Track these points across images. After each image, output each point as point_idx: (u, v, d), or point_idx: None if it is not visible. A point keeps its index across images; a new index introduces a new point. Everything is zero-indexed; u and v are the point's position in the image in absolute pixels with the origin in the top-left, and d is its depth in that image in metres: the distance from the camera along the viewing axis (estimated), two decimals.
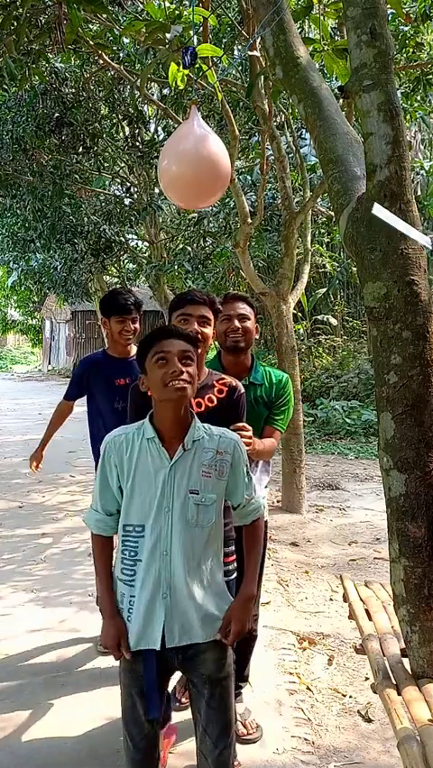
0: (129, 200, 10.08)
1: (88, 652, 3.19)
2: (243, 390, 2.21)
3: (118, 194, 10.20)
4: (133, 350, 3.08)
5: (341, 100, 3.71)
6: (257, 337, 2.62)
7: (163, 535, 1.68)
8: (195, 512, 1.68)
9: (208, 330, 2.16)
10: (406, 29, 5.40)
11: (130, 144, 8.33)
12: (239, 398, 2.17)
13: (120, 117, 7.97)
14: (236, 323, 2.50)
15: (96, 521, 1.80)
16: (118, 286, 16.78)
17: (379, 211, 1.70)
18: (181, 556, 1.67)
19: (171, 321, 2.20)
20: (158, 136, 9.81)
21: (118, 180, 10.26)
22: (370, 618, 2.22)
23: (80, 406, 3.26)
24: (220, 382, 2.17)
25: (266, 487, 2.64)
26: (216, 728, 1.72)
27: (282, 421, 2.59)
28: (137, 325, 3.17)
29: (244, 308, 2.54)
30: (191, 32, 3.12)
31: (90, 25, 5.38)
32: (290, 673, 3.04)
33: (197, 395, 1.96)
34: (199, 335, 2.06)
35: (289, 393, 2.62)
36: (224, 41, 6.20)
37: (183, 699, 2.66)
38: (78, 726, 2.62)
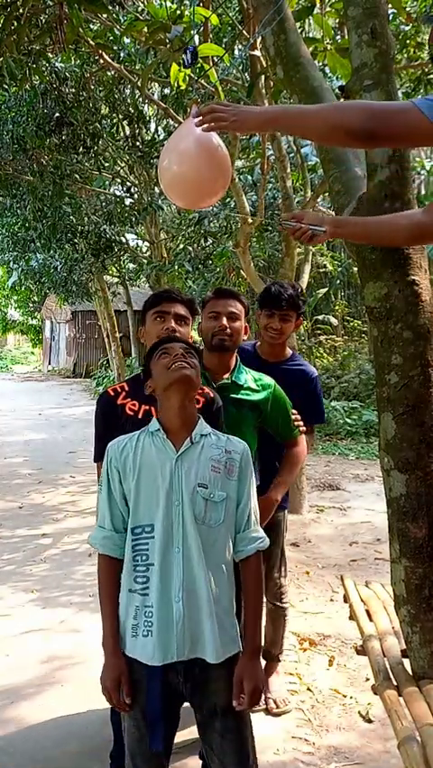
0: (129, 200, 10.08)
1: (88, 651, 3.19)
2: (220, 404, 2.05)
3: (118, 194, 10.20)
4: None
5: (342, 100, 3.70)
6: (245, 338, 2.43)
7: (175, 531, 1.56)
8: (203, 507, 1.57)
9: (185, 329, 2.05)
10: (407, 28, 5.40)
11: (130, 144, 8.32)
12: (218, 411, 2.01)
13: (120, 117, 7.97)
14: (224, 321, 2.31)
15: (104, 539, 1.65)
16: (119, 286, 16.83)
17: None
18: (195, 554, 1.56)
19: (146, 320, 2.08)
20: (158, 136, 9.81)
21: (118, 180, 10.26)
22: (370, 619, 2.21)
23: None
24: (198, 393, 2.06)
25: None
26: (232, 761, 1.57)
27: (291, 426, 2.44)
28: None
29: (234, 306, 2.35)
30: (192, 32, 3.12)
31: (91, 25, 5.38)
32: (291, 674, 3.04)
33: None
34: (176, 333, 1.96)
35: (283, 398, 2.41)
36: (224, 40, 6.20)
37: None
38: (79, 725, 2.62)
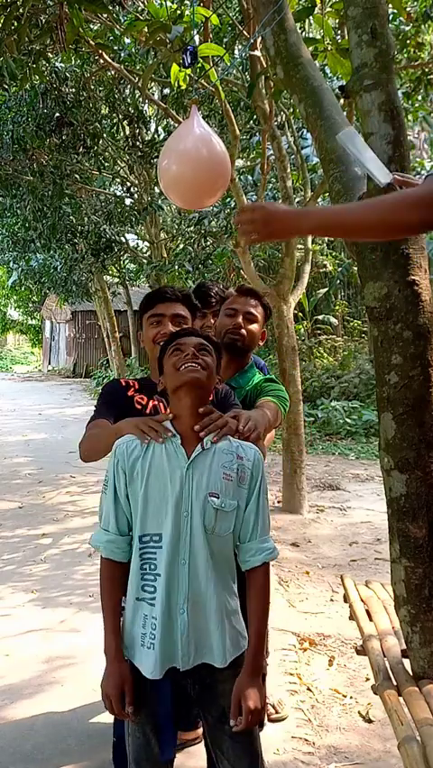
0: (129, 200, 10.08)
1: (88, 651, 3.19)
2: (227, 387, 1.97)
3: (118, 194, 10.21)
4: None
5: (342, 100, 3.70)
6: (261, 344, 2.27)
7: (182, 543, 1.50)
8: (213, 518, 1.51)
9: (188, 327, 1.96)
10: (407, 29, 5.40)
11: (130, 144, 8.33)
12: (227, 395, 1.92)
13: (120, 117, 7.98)
14: (240, 320, 2.19)
15: (107, 542, 1.58)
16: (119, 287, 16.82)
17: (348, 138, 1.63)
18: (202, 566, 1.51)
19: (143, 322, 1.98)
20: (158, 136, 9.83)
21: (118, 180, 10.27)
22: (370, 619, 2.21)
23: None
24: None
25: None
26: (243, 763, 1.54)
27: (274, 393, 2.13)
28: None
29: (255, 307, 2.22)
30: (192, 32, 3.12)
31: (91, 25, 5.38)
32: (291, 674, 3.04)
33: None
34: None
35: (276, 384, 2.22)
36: (225, 40, 6.20)
37: (184, 736, 2.41)
38: (79, 724, 2.62)
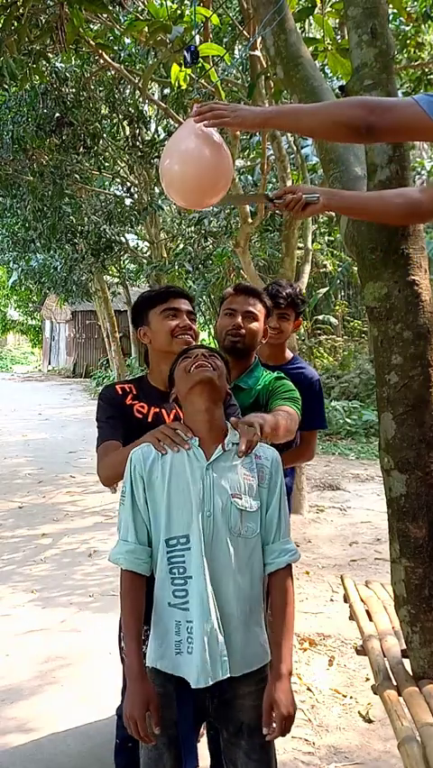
0: (129, 200, 10.09)
1: (88, 651, 3.19)
2: (232, 400, 1.92)
3: (118, 194, 10.21)
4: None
5: None
6: (264, 342, 2.25)
7: (206, 543, 1.46)
8: (238, 519, 1.48)
9: (195, 326, 1.95)
10: (407, 29, 5.40)
11: (130, 144, 8.33)
12: (229, 409, 1.85)
13: (120, 117, 7.98)
14: (239, 320, 2.15)
15: (128, 552, 1.52)
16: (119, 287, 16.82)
17: None
18: (224, 569, 1.47)
19: (150, 319, 1.94)
20: (158, 136, 9.83)
21: (118, 180, 10.27)
22: (370, 619, 2.21)
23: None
24: None
25: None
26: None
27: (288, 396, 2.10)
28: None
29: (254, 305, 2.18)
30: (192, 32, 3.13)
31: (91, 25, 5.38)
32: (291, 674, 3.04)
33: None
34: (191, 332, 1.89)
35: (286, 382, 2.17)
36: (225, 40, 6.20)
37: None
38: (79, 725, 2.62)
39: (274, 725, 1.43)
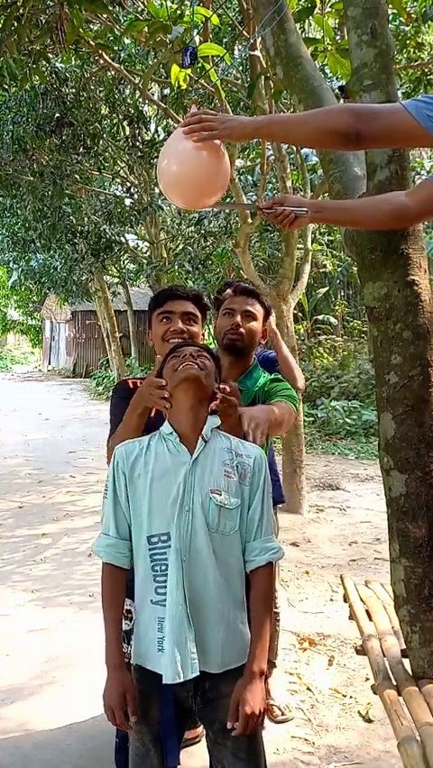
0: (129, 200, 10.09)
1: (88, 651, 3.19)
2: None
3: (118, 194, 10.22)
4: None
5: (342, 100, 3.71)
6: (263, 342, 2.27)
7: (184, 538, 1.48)
8: (216, 515, 1.50)
9: (195, 328, 1.95)
10: (407, 29, 5.40)
11: (130, 144, 8.34)
12: None
13: (120, 117, 7.98)
14: (238, 319, 2.16)
15: (108, 546, 1.57)
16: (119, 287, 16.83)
17: None
18: (202, 565, 1.48)
19: (152, 320, 1.98)
20: (158, 136, 9.83)
21: (118, 180, 10.27)
22: (370, 619, 2.21)
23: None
24: None
25: None
26: None
27: (284, 394, 2.10)
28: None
29: (252, 305, 2.20)
30: (192, 32, 3.13)
31: (91, 25, 5.38)
32: (291, 674, 3.04)
33: None
34: (185, 334, 1.90)
35: (283, 383, 2.18)
36: (225, 40, 6.20)
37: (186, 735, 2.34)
38: (80, 725, 2.62)
39: (238, 722, 1.44)
